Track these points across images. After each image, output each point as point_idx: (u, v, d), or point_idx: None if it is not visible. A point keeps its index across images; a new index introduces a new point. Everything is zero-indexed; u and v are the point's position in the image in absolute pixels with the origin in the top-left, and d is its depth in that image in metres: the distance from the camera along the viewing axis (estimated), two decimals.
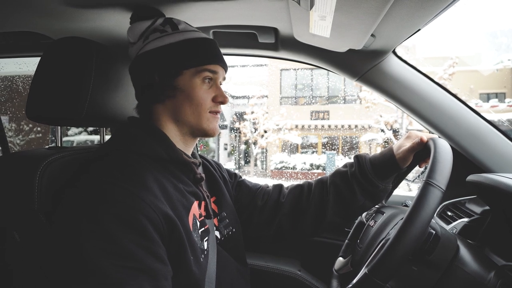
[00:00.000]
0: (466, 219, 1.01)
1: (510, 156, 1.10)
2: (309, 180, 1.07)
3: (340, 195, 0.97)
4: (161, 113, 0.82)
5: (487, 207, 0.98)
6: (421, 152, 0.89)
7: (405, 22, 0.88)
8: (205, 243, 0.80)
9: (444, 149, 0.74)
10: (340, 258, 0.94)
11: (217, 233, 0.89)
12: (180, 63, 0.80)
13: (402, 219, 0.67)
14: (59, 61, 0.83)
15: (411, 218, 0.62)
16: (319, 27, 0.90)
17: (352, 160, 1.01)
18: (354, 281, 0.67)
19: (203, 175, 0.87)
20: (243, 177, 1.14)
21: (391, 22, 0.88)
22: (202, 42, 0.83)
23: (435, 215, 1.18)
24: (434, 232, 0.71)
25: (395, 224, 0.83)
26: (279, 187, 1.08)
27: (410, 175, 1.04)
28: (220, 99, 0.84)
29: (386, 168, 0.94)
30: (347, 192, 0.97)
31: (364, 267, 0.67)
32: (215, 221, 0.91)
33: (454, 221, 1.07)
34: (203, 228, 0.81)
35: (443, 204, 1.19)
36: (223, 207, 0.96)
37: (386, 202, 1.05)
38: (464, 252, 0.75)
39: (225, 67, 0.87)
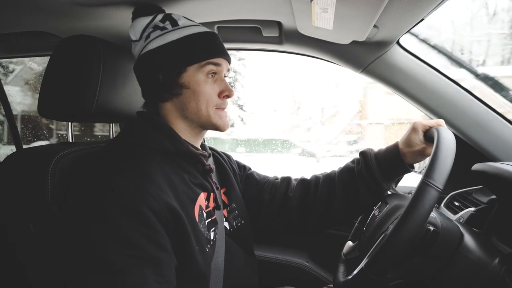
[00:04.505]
0: (472, 209, 1.01)
1: None
2: (317, 174, 1.06)
3: (347, 193, 0.97)
4: (168, 110, 0.83)
5: (494, 196, 0.98)
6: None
7: (408, 11, 0.88)
8: (212, 234, 0.82)
9: (446, 145, 0.70)
10: (349, 242, 0.94)
11: (226, 224, 0.91)
12: (182, 60, 0.80)
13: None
14: (68, 59, 0.85)
15: (405, 219, 0.63)
16: (322, 19, 0.90)
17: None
18: (353, 273, 0.70)
19: (212, 166, 0.88)
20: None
21: (393, 12, 0.88)
22: (202, 36, 0.82)
23: (442, 205, 1.18)
24: (432, 228, 0.71)
25: (395, 219, 0.83)
26: (287, 180, 1.07)
27: (417, 166, 1.03)
28: (225, 93, 0.84)
29: (391, 165, 0.93)
30: (353, 191, 0.96)
31: (364, 260, 0.69)
32: (225, 212, 0.92)
33: (461, 211, 1.07)
34: (210, 219, 0.82)
35: (450, 194, 1.19)
36: (232, 199, 0.97)
37: (396, 186, 1.04)
38: (468, 239, 0.75)
39: (228, 59, 0.86)
